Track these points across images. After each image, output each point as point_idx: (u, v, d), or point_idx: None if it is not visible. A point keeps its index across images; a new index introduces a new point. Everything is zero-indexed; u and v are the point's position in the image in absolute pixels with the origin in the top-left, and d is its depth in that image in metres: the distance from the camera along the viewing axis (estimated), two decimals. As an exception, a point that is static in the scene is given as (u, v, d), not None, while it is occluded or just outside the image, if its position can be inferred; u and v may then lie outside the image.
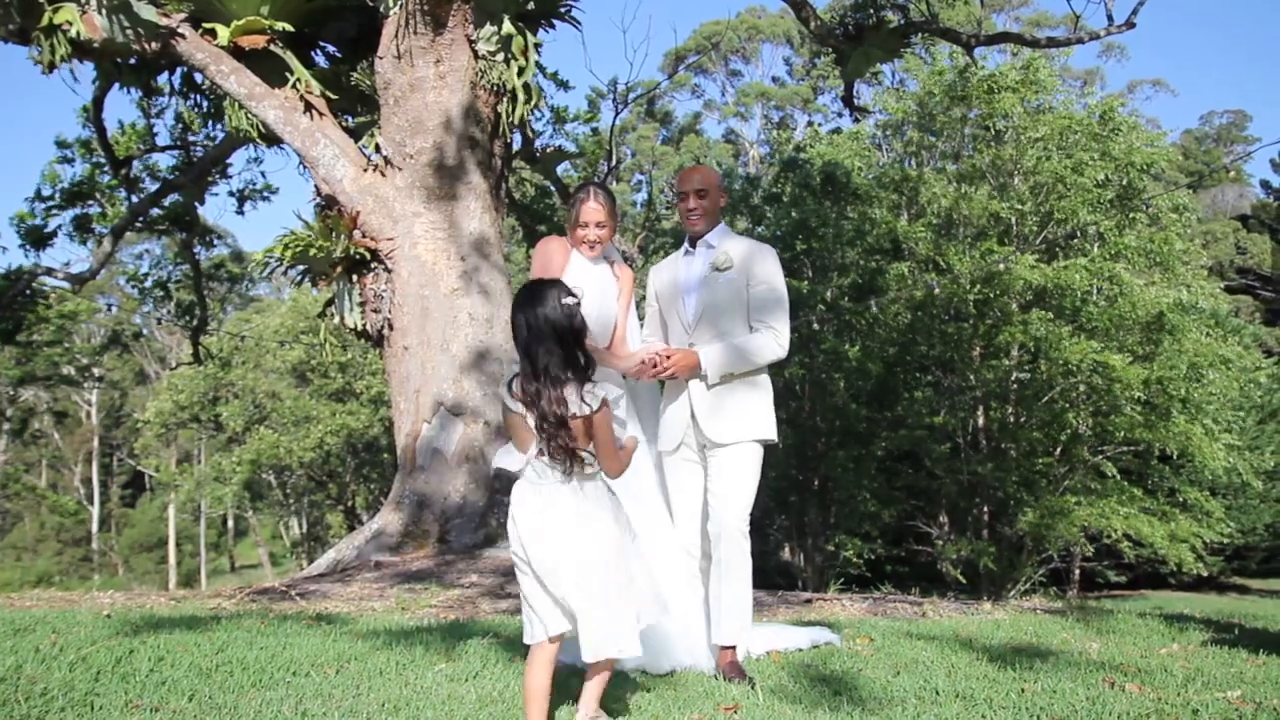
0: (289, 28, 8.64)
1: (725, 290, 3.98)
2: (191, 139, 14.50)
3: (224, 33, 8.48)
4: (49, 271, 14.72)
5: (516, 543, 2.89)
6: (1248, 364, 19.68)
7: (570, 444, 2.80)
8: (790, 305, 4.18)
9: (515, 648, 4.12)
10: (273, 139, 9.44)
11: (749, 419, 3.96)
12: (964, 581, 19.78)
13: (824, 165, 21.05)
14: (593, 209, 3.94)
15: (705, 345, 3.94)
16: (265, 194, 15.63)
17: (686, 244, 4.16)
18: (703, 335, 3.99)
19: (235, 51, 8.56)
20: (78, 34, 8.14)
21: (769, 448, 4.08)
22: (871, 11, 10.38)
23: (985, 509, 20.91)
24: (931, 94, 20.62)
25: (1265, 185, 41.38)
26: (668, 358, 3.83)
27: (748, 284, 3.98)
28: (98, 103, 12.85)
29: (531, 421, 2.83)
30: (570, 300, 2.86)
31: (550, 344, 2.80)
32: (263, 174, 25.88)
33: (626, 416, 3.43)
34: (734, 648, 3.83)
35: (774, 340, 3.94)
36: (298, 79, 8.57)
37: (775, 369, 4.38)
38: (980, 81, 19.26)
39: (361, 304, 8.54)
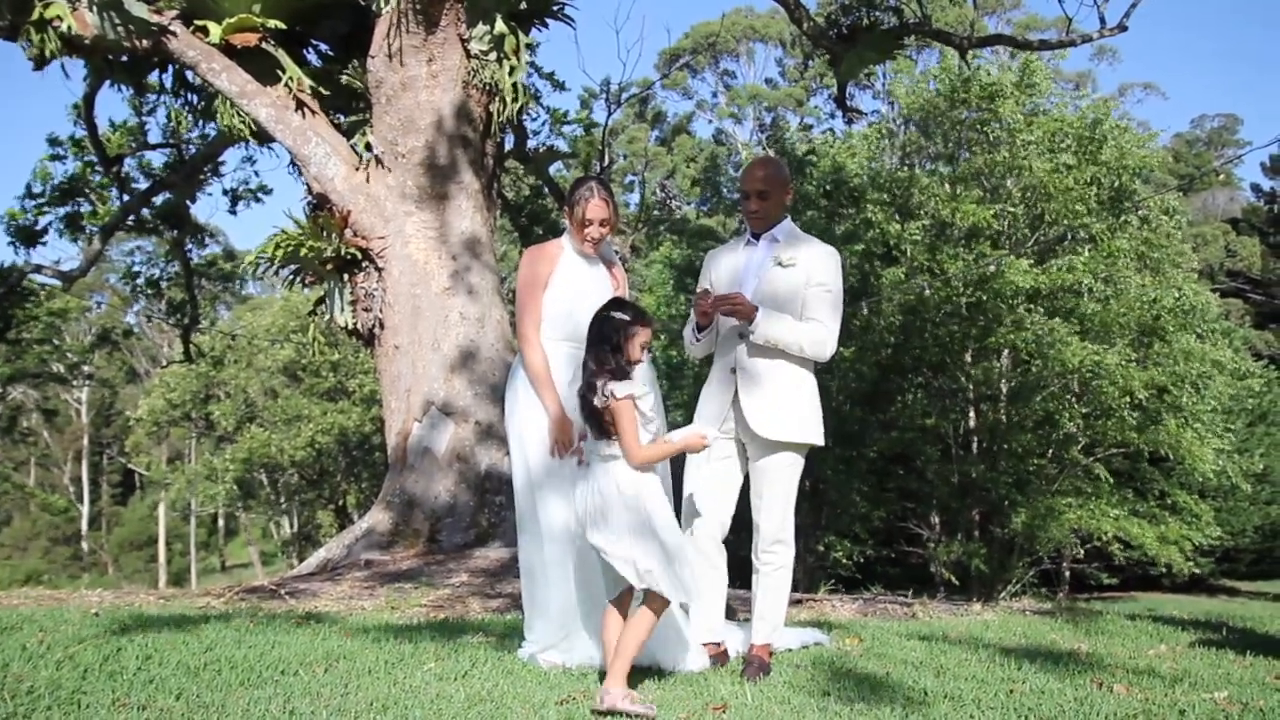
0: (281, 26, 8.61)
1: (784, 286, 3.97)
2: (184, 137, 14.47)
3: (215, 30, 8.45)
4: (39, 269, 14.66)
5: (578, 514, 3.57)
6: (1240, 368, 19.76)
7: (601, 426, 3.46)
8: None
9: (505, 646, 4.12)
10: (264, 137, 9.41)
11: (795, 419, 3.96)
12: (955, 583, 19.82)
13: (829, 172, 20.99)
14: (598, 206, 3.97)
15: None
16: (258, 195, 15.62)
17: (749, 234, 4.14)
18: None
19: (227, 49, 8.53)
20: (68, 30, 8.10)
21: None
22: (864, 13, 10.38)
23: (976, 510, 20.96)
24: (938, 94, 20.57)
25: (1256, 189, 41.53)
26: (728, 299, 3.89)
27: (807, 283, 3.96)
28: (89, 100, 12.80)
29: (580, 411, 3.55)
30: (617, 315, 3.52)
31: (593, 350, 3.51)
32: (256, 173, 25.83)
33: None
34: (767, 645, 3.96)
35: (828, 335, 3.95)
36: (290, 77, 8.54)
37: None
38: (984, 87, 19.25)
39: (353, 303, 8.52)
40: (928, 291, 19.58)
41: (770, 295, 3.97)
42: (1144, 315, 18.25)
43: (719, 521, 4.07)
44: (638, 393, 3.43)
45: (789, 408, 3.96)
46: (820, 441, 4.04)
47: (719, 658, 3.98)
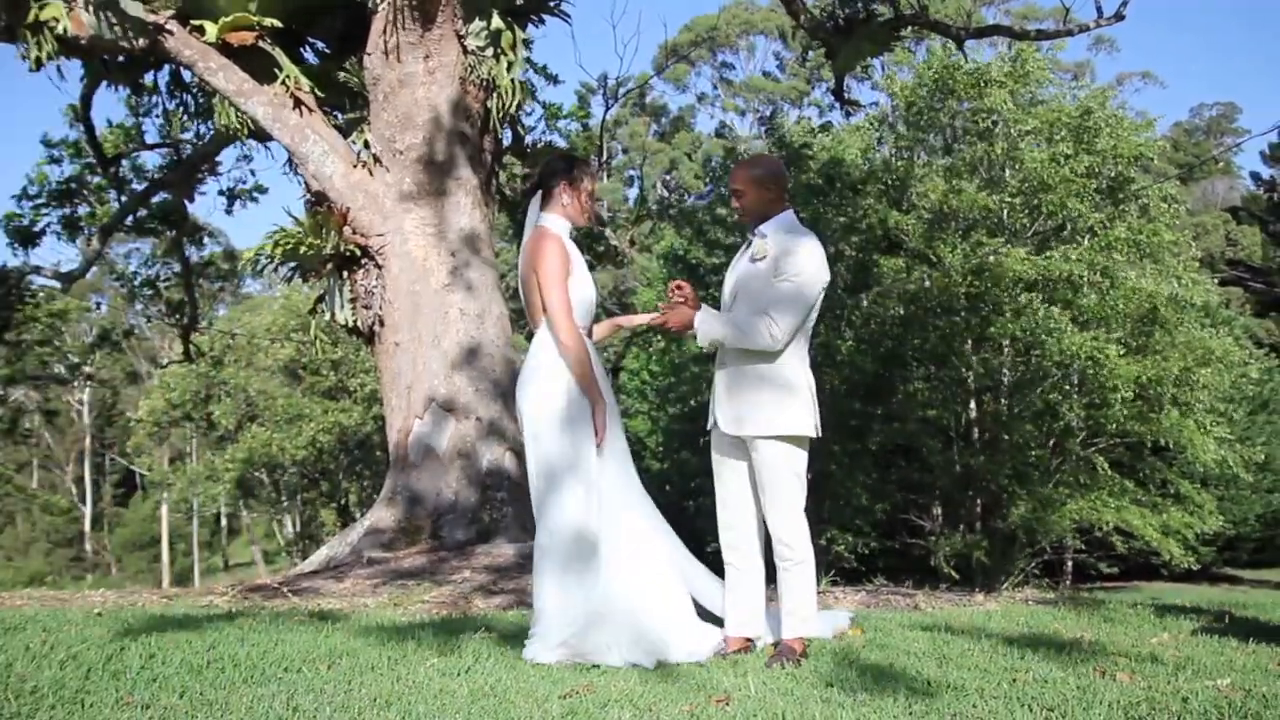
0: (277, 24, 8.60)
1: (755, 280, 3.98)
2: (181, 136, 14.42)
3: (212, 29, 8.44)
4: (37, 270, 14.66)
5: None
6: (1239, 357, 19.71)
7: None
8: None
9: (508, 642, 4.13)
10: (262, 136, 9.41)
11: (761, 412, 3.92)
12: (957, 575, 19.80)
13: (825, 165, 20.92)
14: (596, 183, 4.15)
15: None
16: (254, 194, 15.57)
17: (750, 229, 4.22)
18: None
19: (223, 48, 8.52)
20: (64, 31, 8.08)
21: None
22: (861, 5, 10.36)
23: (978, 502, 20.95)
24: (921, 86, 20.58)
25: (1255, 177, 41.38)
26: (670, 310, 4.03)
27: (773, 275, 3.94)
28: (85, 101, 12.77)
29: None
30: None
31: None
32: (252, 173, 25.85)
33: None
34: (798, 638, 3.90)
35: (765, 327, 3.85)
36: (286, 75, 8.53)
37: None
38: (968, 75, 19.24)
39: (352, 300, 8.52)
40: (928, 283, 19.55)
41: (743, 292, 4.02)
42: (1139, 307, 18.21)
43: (731, 521, 4.13)
44: None
45: (752, 402, 3.93)
46: (789, 431, 3.92)
47: (743, 650, 4.02)
